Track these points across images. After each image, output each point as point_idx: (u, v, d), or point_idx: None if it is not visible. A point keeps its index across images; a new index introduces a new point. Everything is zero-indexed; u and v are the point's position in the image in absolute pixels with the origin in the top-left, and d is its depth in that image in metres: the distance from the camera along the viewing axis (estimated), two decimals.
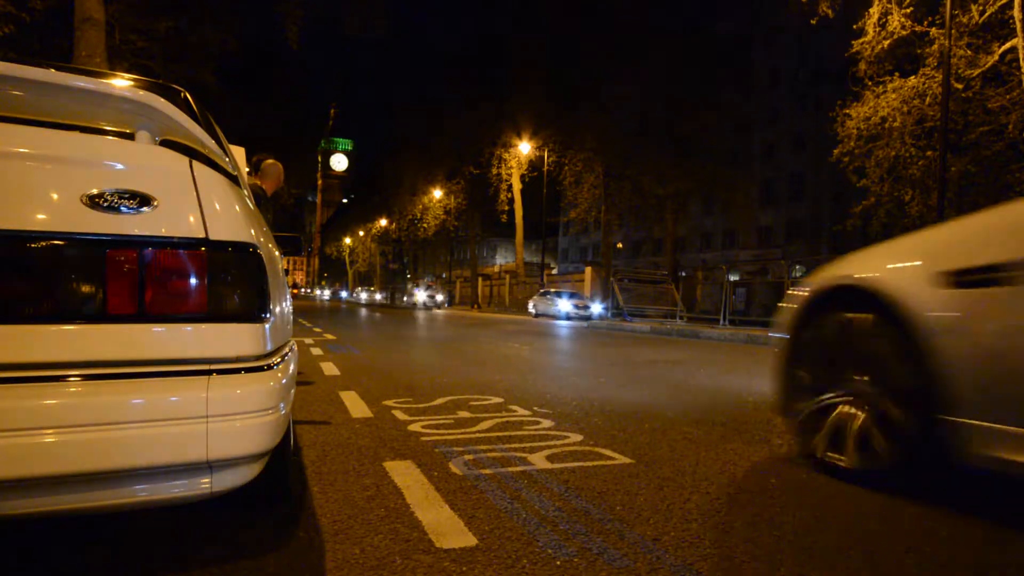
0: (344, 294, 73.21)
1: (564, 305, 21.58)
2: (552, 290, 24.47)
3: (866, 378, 2.21)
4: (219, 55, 16.33)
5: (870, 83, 13.80)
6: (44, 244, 1.11)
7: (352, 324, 13.98)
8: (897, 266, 2.17)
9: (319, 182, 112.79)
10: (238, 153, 3.81)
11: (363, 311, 25.50)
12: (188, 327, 1.19)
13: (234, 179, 1.66)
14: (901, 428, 2.04)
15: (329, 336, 9.45)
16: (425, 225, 36.74)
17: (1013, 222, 1.90)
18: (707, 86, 25.31)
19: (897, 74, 13.62)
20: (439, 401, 3.70)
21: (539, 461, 2.38)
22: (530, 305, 24.61)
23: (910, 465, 2.03)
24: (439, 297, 37.27)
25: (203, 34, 15.40)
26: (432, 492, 1.97)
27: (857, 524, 1.78)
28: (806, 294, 2.53)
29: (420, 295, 36.75)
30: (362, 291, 57.30)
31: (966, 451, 1.86)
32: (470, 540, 1.59)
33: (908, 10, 12.91)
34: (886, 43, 13.20)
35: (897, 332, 2.07)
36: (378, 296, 52.09)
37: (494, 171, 28.97)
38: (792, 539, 1.66)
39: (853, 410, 2.22)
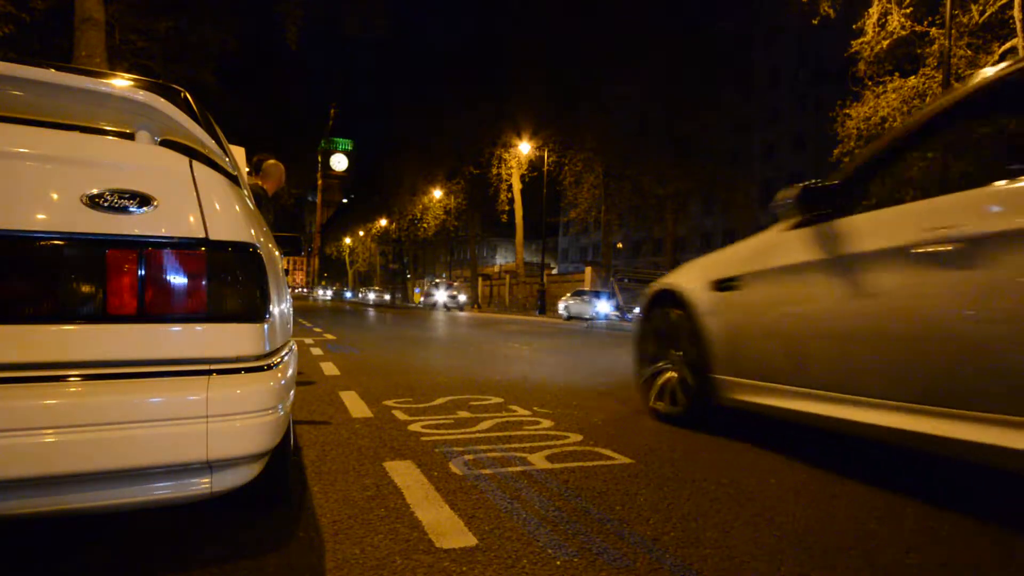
0: (348, 294, 69.85)
1: (603, 307, 19.10)
2: (587, 289, 22.59)
3: (678, 353, 3.21)
4: (219, 55, 16.33)
5: (870, 83, 13.81)
6: (44, 244, 1.11)
7: (354, 325, 13.99)
8: (690, 277, 3.23)
9: (319, 182, 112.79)
10: (238, 153, 3.81)
11: (371, 312, 25.23)
12: (188, 327, 1.19)
13: (234, 179, 1.66)
14: (691, 385, 3.05)
15: (329, 336, 9.45)
16: (425, 225, 36.71)
17: (743, 251, 2.96)
18: (707, 86, 25.35)
19: (897, 74, 13.63)
20: (439, 401, 3.70)
21: (539, 461, 2.38)
22: (561, 306, 22.02)
23: (698, 410, 3.04)
24: (461, 297, 33.22)
25: (203, 34, 15.40)
26: (432, 492, 1.97)
27: (857, 524, 1.79)
28: (650, 293, 3.57)
29: (440, 295, 32.87)
30: (369, 291, 54.34)
31: (723, 396, 2.86)
32: (470, 540, 1.59)
33: (908, 10, 12.91)
34: (886, 43, 13.21)
35: (689, 321, 3.09)
36: (386, 297, 49.83)
37: (494, 171, 28.96)
38: (792, 538, 1.66)
39: (670, 374, 3.27)
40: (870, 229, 2.23)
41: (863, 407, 2.15)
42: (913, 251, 2.00)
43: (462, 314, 26.29)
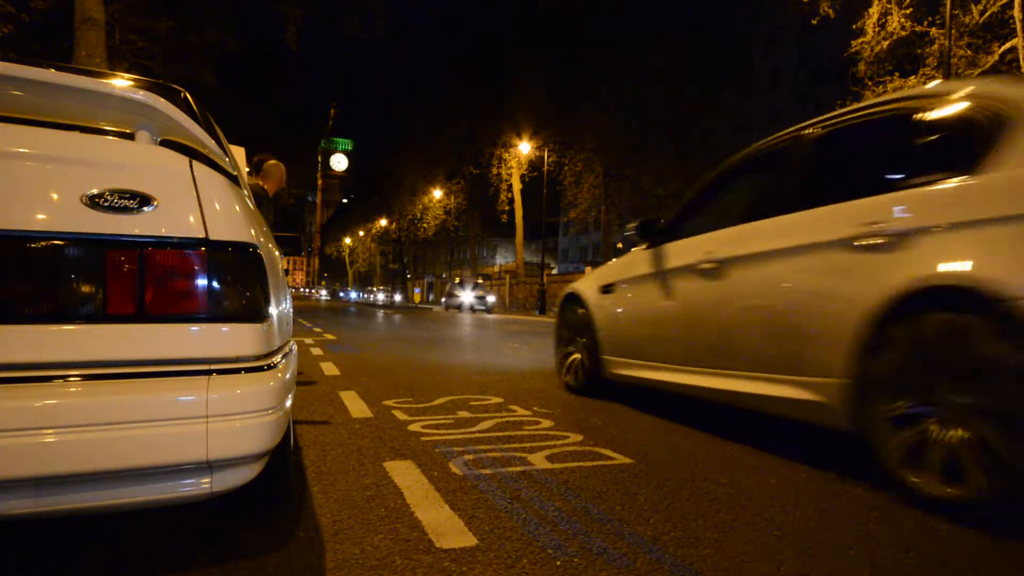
0: (353, 294, 65.48)
1: None
2: None
3: (582, 340, 4.13)
4: (219, 55, 16.33)
5: (870, 83, 13.80)
6: (44, 244, 1.11)
7: (354, 325, 13.99)
8: (588, 282, 4.23)
9: (319, 182, 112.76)
10: (238, 153, 3.82)
11: (379, 314, 25.06)
12: (188, 327, 1.19)
13: (234, 179, 1.66)
14: (588, 365, 4.00)
15: (329, 336, 9.45)
16: (425, 225, 36.70)
17: (618, 264, 3.94)
18: (707, 86, 25.32)
19: (897, 74, 13.62)
20: (439, 401, 3.70)
21: (539, 461, 2.38)
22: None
23: (592, 382, 3.96)
24: (491, 298, 29.04)
25: (203, 34, 15.40)
26: (432, 492, 1.97)
27: (857, 524, 1.79)
28: (562, 294, 4.56)
29: (465, 295, 28.57)
30: (378, 291, 49.49)
31: (608, 372, 3.78)
32: (470, 540, 1.59)
33: (908, 10, 12.91)
34: (886, 43, 13.20)
35: (587, 315, 4.05)
36: (397, 297, 46.41)
37: (494, 171, 28.95)
38: (792, 538, 1.66)
39: (576, 355, 4.20)
40: (677, 252, 3.28)
41: (679, 373, 3.14)
42: (695, 267, 3.06)
43: (440, 312, 25.44)
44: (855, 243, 2.25)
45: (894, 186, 2.29)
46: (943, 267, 1.95)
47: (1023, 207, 1.82)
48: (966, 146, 2.12)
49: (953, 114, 2.25)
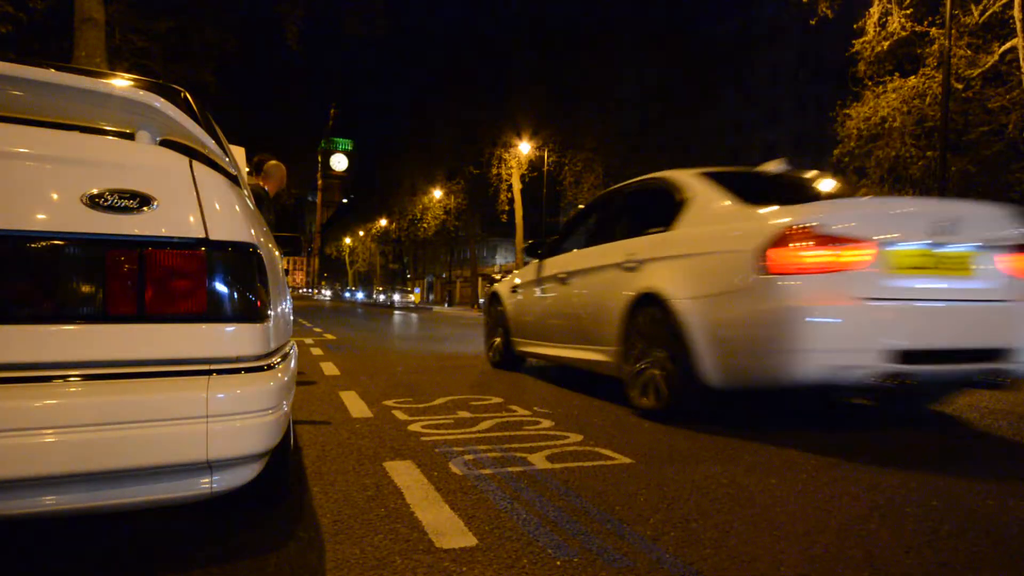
0: (360, 295, 62.07)
1: None
2: None
3: (500, 330, 5.51)
4: (219, 55, 16.31)
5: (870, 83, 13.80)
6: (44, 244, 1.11)
7: (354, 325, 13.97)
8: (504, 284, 5.67)
9: (319, 182, 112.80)
10: (238, 153, 3.81)
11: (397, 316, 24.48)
12: (188, 327, 1.19)
13: (234, 179, 1.66)
14: (504, 346, 5.42)
15: (329, 336, 9.44)
16: (425, 225, 36.63)
17: (522, 271, 5.36)
18: (707, 86, 25.31)
19: (897, 74, 13.62)
20: (439, 401, 3.70)
21: (539, 461, 2.38)
22: None
23: (506, 358, 5.37)
24: None
25: (203, 34, 15.38)
26: (432, 492, 1.97)
27: (857, 524, 1.79)
28: (488, 292, 5.97)
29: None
30: (395, 292, 44.22)
31: (516, 351, 5.23)
32: (470, 540, 1.59)
33: (908, 10, 12.90)
34: (886, 43, 13.20)
35: (503, 309, 5.48)
36: (411, 298, 42.31)
37: (494, 171, 28.91)
38: (793, 538, 1.66)
39: (498, 340, 5.57)
40: (549, 266, 4.76)
41: (551, 348, 4.59)
42: (556, 276, 4.56)
43: (440, 311, 25.20)
44: (623, 266, 3.71)
45: (641, 232, 3.69)
46: (651, 282, 3.38)
47: (682, 251, 3.28)
48: (669, 211, 3.53)
49: (665, 190, 3.72)
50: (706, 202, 3.36)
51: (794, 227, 2.72)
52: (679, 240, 3.35)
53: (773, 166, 3.77)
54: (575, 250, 4.50)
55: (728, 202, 3.26)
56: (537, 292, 4.91)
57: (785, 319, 2.69)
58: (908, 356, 2.65)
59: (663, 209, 3.58)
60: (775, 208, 2.95)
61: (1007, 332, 2.84)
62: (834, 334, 2.68)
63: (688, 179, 3.60)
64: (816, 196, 3.73)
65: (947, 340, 2.77)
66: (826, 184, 4.02)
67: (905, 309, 2.75)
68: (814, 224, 2.69)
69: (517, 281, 5.36)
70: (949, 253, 2.82)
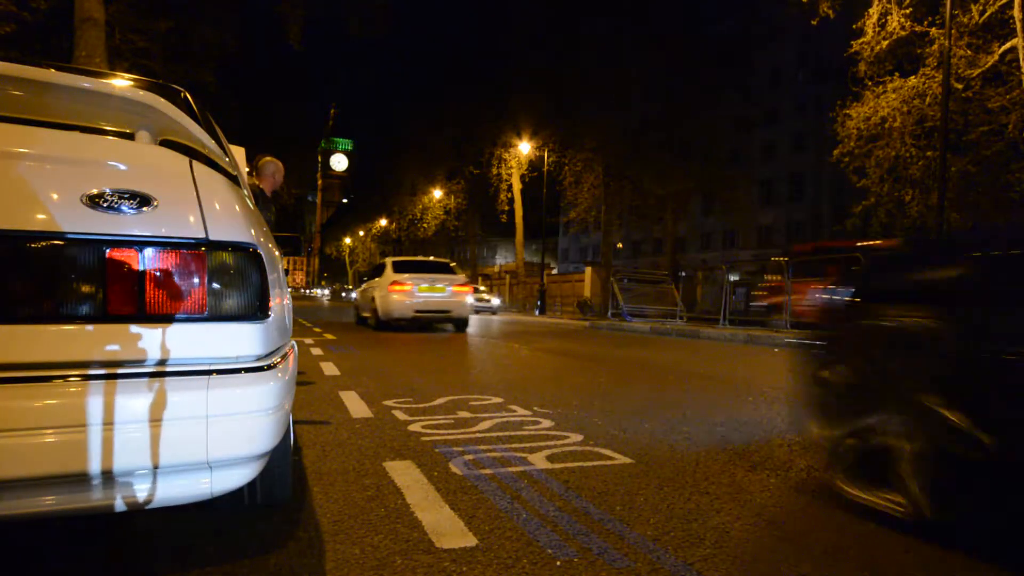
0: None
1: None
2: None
3: (373, 307, 11.94)
4: (219, 55, 16.32)
5: (870, 83, 13.79)
6: (44, 244, 1.11)
7: (354, 325, 13.99)
8: (379, 286, 11.90)
9: (319, 182, 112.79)
10: (238, 153, 3.81)
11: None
12: (188, 327, 1.19)
13: (234, 179, 1.66)
14: (375, 318, 11.79)
15: (329, 336, 9.45)
16: (425, 225, 36.64)
17: (370, 282, 12.92)
18: (707, 86, 25.28)
19: (897, 74, 13.60)
20: (439, 401, 3.70)
21: (539, 461, 2.38)
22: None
23: (379, 325, 11.40)
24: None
25: (203, 34, 15.39)
26: (432, 492, 1.97)
27: (857, 524, 1.79)
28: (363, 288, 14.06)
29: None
30: None
31: (380, 320, 11.85)
32: (470, 540, 1.59)
33: (908, 10, 12.89)
34: (885, 43, 13.18)
35: (374, 298, 11.98)
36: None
37: (494, 171, 28.93)
38: (792, 538, 1.66)
39: (368, 315, 12.78)
40: (368, 284, 12.37)
41: (373, 315, 11.80)
42: (365, 291, 12.54)
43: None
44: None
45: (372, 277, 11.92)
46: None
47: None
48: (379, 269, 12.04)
49: (382, 264, 12.14)
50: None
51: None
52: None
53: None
54: (368, 281, 11.79)
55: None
56: (369, 293, 11.85)
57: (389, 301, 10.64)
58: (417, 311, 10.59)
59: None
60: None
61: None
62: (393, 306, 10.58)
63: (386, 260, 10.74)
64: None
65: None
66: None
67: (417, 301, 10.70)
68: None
69: (371, 284, 11.95)
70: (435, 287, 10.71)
